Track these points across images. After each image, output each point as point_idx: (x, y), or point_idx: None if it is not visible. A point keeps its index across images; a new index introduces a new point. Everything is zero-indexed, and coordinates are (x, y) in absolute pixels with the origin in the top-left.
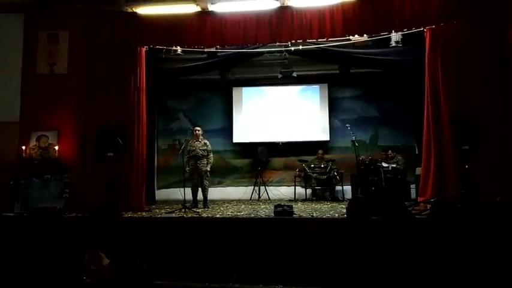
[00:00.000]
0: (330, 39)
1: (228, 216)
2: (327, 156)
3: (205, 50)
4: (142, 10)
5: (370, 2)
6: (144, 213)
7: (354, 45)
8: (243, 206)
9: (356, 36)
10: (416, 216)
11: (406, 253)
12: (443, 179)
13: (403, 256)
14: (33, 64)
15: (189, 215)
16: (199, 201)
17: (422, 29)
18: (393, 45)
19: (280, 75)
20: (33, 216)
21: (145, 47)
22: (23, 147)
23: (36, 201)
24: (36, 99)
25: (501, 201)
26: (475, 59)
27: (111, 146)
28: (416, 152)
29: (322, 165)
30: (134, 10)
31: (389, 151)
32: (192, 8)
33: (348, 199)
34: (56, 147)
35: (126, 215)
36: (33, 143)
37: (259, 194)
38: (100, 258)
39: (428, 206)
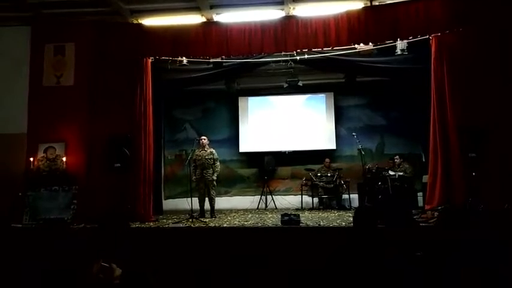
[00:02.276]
0: (335, 48)
1: (235, 225)
2: (333, 165)
3: (211, 60)
4: (148, 21)
5: (375, 11)
6: (151, 224)
7: (360, 53)
8: (250, 215)
9: (361, 44)
10: (422, 224)
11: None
12: (450, 187)
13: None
14: (40, 76)
15: (196, 225)
16: (206, 211)
17: (427, 36)
18: (399, 53)
19: (285, 85)
20: (41, 228)
21: (151, 58)
22: (31, 159)
23: (44, 213)
24: (43, 111)
25: (509, 209)
26: (481, 66)
27: (118, 157)
28: (423, 160)
29: (329, 174)
30: (140, 22)
31: (396, 156)
32: (197, 19)
33: (355, 208)
34: (64, 159)
35: (134, 225)
36: (40, 154)
37: (266, 203)
38: (112, 269)
39: (436, 214)
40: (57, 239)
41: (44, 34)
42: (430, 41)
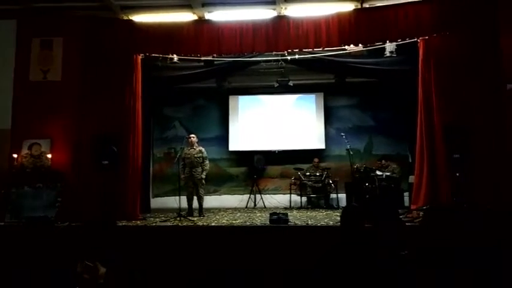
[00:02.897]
0: (325, 48)
1: (223, 224)
2: (322, 165)
3: (202, 58)
4: (139, 18)
5: (365, 13)
6: (138, 222)
7: (350, 55)
8: (239, 214)
9: (351, 46)
10: (408, 224)
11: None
12: (436, 187)
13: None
14: (26, 71)
15: (184, 224)
16: (195, 209)
17: (416, 39)
18: (388, 55)
19: (276, 84)
20: (24, 226)
21: (141, 54)
22: (15, 156)
23: (28, 210)
24: (28, 106)
25: (491, 209)
26: (467, 69)
27: (106, 154)
28: (410, 161)
29: (318, 174)
30: (130, 18)
31: (383, 161)
32: (188, 17)
33: (343, 207)
34: (49, 156)
35: (121, 224)
36: (25, 151)
37: (255, 202)
38: (96, 267)
39: (421, 214)
40: (41, 238)
41: (30, 28)
42: (418, 43)
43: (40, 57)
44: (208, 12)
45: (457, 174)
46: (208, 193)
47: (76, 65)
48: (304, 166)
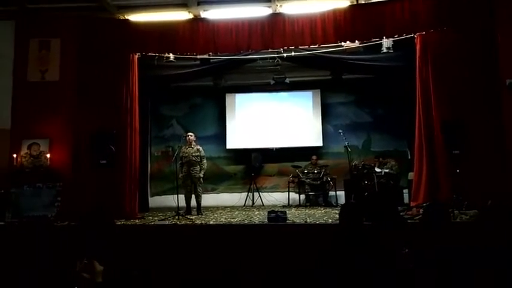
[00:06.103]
0: (322, 45)
1: (221, 222)
2: (320, 162)
3: (198, 56)
4: (135, 17)
5: (361, 9)
6: (137, 221)
7: (346, 51)
8: (237, 212)
9: (348, 42)
10: (409, 221)
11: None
12: (435, 184)
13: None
14: (24, 71)
15: (183, 222)
16: (193, 208)
17: (412, 35)
18: (384, 51)
19: (273, 82)
20: (24, 225)
21: (137, 54)
22: (14, 155)
23: (27, 210)
24: (27, 106)
25: (492, 205)
26: (464, 65)
27: (103, 154)
28: (409, 157)
29: (316, 171)
30: (126, 17)
31: (380, 158)
32: (184, 15)
33: (341, 204)
34: (48, 155)
35: (119, 223)
36: (24, 151)
37: (253, 200)
38: (93, 265)
39: (421, 211)
40: (41, 237)
41: (28, 29)
42: (415, 39)
43: (38, 58)
44: (204, 10)
45: (458, 170)
46: (206, 191)
47: (73, 65)
48: (302, 164)
